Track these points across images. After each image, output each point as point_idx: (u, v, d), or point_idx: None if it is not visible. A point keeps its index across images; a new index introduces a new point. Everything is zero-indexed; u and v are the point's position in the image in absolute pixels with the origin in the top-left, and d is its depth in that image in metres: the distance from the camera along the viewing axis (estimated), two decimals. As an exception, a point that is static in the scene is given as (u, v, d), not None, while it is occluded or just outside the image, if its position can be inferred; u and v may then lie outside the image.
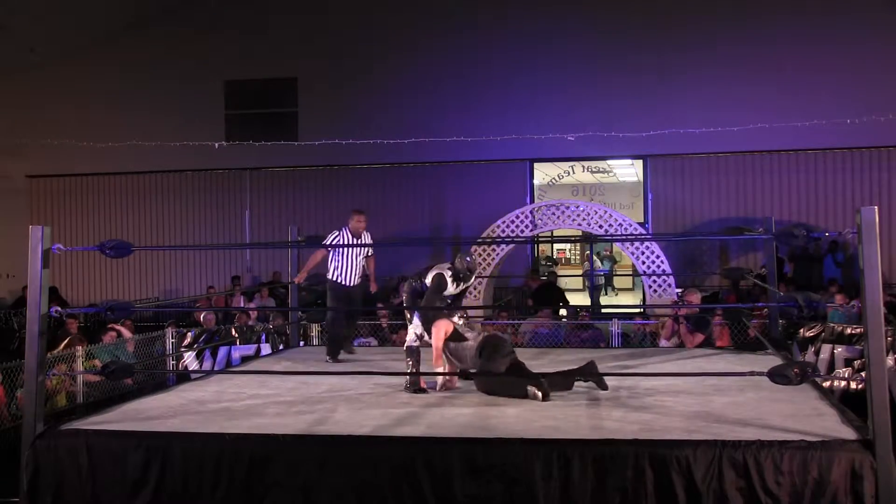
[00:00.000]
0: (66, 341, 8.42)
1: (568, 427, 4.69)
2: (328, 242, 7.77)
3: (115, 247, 5.23)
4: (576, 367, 6.05)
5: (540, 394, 5.37)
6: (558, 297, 13.52)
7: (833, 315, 10.17)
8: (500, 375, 5.64)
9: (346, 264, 7.61)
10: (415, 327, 6.20)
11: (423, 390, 5.82)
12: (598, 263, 18.82)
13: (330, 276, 7.68)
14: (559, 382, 5.67)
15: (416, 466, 4.26)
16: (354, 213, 7.73)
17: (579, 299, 19.18)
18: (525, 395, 5.42)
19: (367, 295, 8.15)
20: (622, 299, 20.97)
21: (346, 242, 7.58)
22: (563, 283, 16.95)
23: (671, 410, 5.04)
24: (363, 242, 7.67)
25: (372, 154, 16.94)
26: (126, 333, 9.42)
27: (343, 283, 7.62)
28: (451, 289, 6.18)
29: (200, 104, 18.01)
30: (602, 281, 20.84)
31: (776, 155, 16.31)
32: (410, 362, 6.11)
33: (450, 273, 6.15)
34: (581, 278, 20.72)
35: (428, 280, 6.21)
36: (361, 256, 7.72)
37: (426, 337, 6.13)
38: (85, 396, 7.88)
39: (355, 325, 8.58)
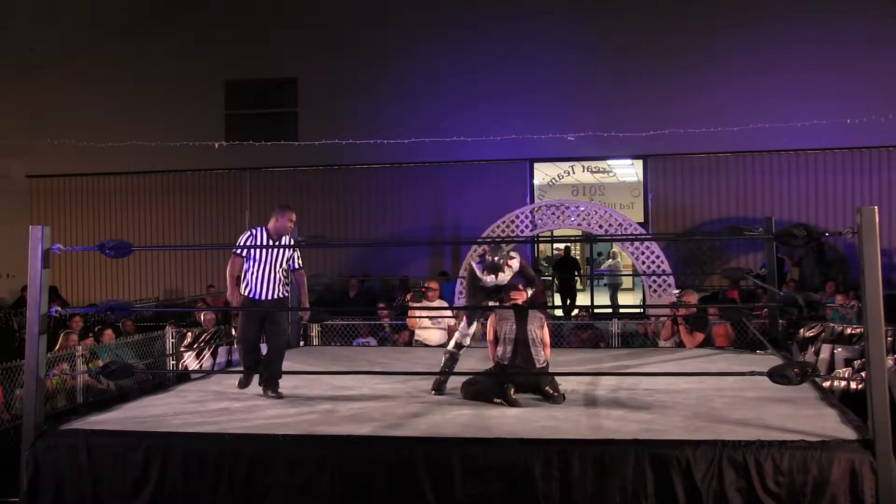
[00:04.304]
0: (60, 339, 8.39)
1: (568, 427, 4.69)
2: (239, 244, 6.12)
3: (115, 247, 5.24)
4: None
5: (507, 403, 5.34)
6: (575, 267, 17.43)
7: (833, 315, 10.18)
8: (474, 383, 5.61)
9: (260, 274, 5.94)
10: (460, 336, 6.14)
11: (441, 393, 5.81)
12: (607, 262, 18.73)
13: (241, 290, 6.03)
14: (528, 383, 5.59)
15: (416, 466, 4.26)
16: (283, 209, 6.18)
17: (584, 299, 19.17)
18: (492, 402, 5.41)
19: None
20: (623, 299, 20.88)
21: (264, 244, 6.00)
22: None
23: (671, 410, 5.04)
24: (284, 244, 6.11)
25: (372, 154, 16.91)
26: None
27: (254, 296, 5.96)
28: (487, 280, 6.07)
29: (200, 104, 17.98)
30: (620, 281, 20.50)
31: (776, 155, 16.29)
32: (441, 362, 6.11)
33: (479, 265, 6.09)
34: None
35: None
36: (284, 264, 6.08)
37: (466, 345, 6.12)
38: (85, 395, 7.87)
39: (280, 354, 6.14)
